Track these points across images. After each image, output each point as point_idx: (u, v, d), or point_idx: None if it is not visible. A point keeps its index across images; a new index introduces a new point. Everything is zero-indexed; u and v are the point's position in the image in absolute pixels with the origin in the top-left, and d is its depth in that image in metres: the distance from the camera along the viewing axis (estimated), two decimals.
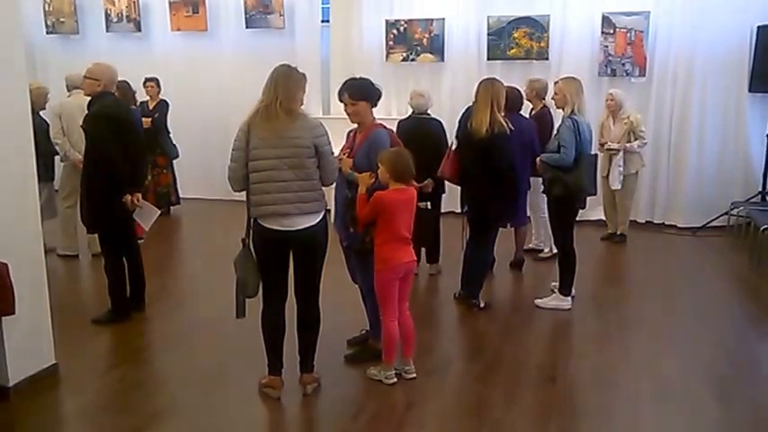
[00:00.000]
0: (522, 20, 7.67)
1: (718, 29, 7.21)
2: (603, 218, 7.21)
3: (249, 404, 3.71)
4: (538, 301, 5.17)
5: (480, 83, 4.87)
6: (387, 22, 8.11)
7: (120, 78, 5.00)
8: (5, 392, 3.70)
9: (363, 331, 4.34)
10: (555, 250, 5.65)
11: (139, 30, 8.95)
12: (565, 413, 3.68)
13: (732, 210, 7.17)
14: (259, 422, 3.68)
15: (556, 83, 5.21)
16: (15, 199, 3.73)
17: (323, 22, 8.55)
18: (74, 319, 4.78)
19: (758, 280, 5.89)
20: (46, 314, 3.96)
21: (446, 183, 5.53)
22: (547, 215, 5.53)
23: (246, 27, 8.58)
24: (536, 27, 7.64)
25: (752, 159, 7.40)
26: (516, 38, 7.71)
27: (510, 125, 4.78)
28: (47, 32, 9.25)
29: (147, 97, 7.92)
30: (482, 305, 5.08)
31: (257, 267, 3.59)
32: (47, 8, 9.19)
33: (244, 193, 3.59)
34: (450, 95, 7.95)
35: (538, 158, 5.22)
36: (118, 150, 4.53)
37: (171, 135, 8.00)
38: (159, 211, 5.08)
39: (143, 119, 7.18)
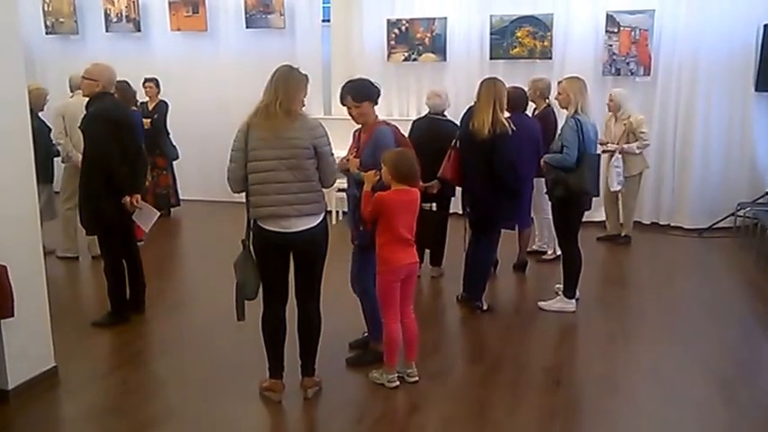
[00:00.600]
0: (526, 19, 7.62)
1: (724, 28, 7.15)
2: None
3: (249, 408, 3.67)
4: (542, 304, 5.12)
5: (482, 83, 4.82)
6: (388, 21, 8.06)
7: (120, 79, 4.96)
8: (5, 395, 3.68)
9: (365, 334, 4.30)
10: (558, 252, 5.59)
11: (139, 30, 8.91)
12: (569, 417, 3.64)
13: (739, 210, 7.10)
14: (259, 426, 3.64)
15: (560, 82, 5.16)
16: (14, 201, 3.71)
17: (323, 21, 8.51)
18: (73, 321, 4.76)
19: (765, 281, 5.83)
20: (45, 317, 3.94)
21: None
22: (550, 216, 5.48)
23: (247, 27, 8.54)
24: (539, 26, 7.59)
25: (758, 159, 7.34)
26: (519, 37, 7.66)
27: (513, 125, 4.73)
28: (46, 33, 9.22)
29: (147, 98, 7.88)
30: (485, 307, 5.03)
31: (257, 269, 3.55)
32: (46, 8, 9.15)
33: (244, 194, 3.55)
34: (452, 95, 7.85)
35: (541, 159, 5.17)
36: (115, 152, 4.48)
37: (170, 136, 7.95)
38: (159, 213, 5.05)
39: (143, 120, 7.14)
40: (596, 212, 7.04)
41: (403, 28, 8.04)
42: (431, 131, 5.43)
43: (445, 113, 5.74)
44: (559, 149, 4.88)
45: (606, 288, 5.78)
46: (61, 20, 9.15)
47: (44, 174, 5.39)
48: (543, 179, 5.25)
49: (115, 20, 8.96)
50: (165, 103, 7.92)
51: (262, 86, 3.50)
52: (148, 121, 7.57)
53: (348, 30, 8.28)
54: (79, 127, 4.68)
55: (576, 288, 5.10)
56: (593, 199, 5.12)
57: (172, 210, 8.18)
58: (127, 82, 6.37)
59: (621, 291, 5.71)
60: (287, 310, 3.66)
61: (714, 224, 7.28)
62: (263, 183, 3.42)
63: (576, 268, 5.05)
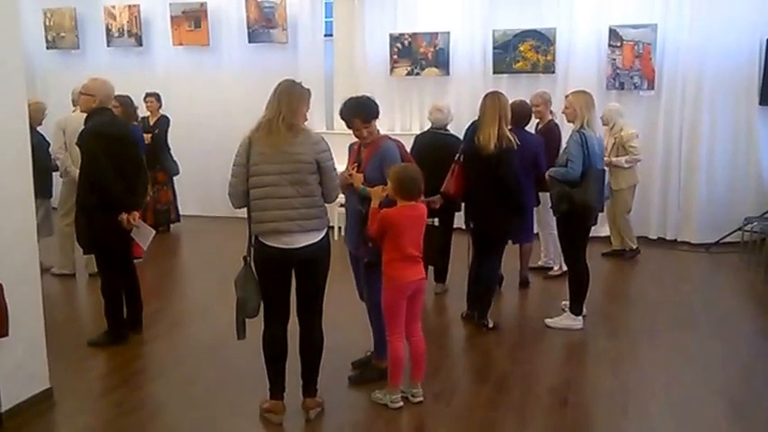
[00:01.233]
0: (529, 33, 7.59)
1: (728, 41, 7.11)
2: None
3: (250, 430, 3.58)
4: (548, 321, 5.03)
5: (486, 97, 4.77)
6: (391, 35, 8.03)
7: (121, 93, 4.89)
8: None
9: (368, 353, 4.21)
10: (565, 268, 5.50)
11: (141, 44, 8.89)
12: None
13: (745, 225, 7.02)
14: None
15: (566, 96, 5.11)
16: (11, 216, 3.63)
17: (326, 36, 8.49)
18: (69, 340, 4.66)
19: None
20: (41, 336, 3.85)
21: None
22: (556, 232, 5.40)
23: (249, 41, 8.51)
24: (542, 40, 7.56)
25: (764, 173, 7.27)
26: (522, 51, 7.62)
27: (516, 140, 4.68)
28: (47, 47, 9.20)
29: (148, 113, 7.84)
30: (491, 325, 4.94)
31: (258, 286, 3.48)
32: (47, 23, 9.14)
33: (245, 210, 3.50)
34: (455, 110, 7.78)
35: (546, 173, 5.10)
36: (110, 168, 4.39)
37: (171, 151, 7.90)
38: (154, 232, 4.92)
39: (144, 134, 7.08)
40: (601, 228, 6.94)
41: (406, 42, 8.01)
42: (433, 146, 5.39)
43: (448, 128, 5.70)
44: (564, 164, 4.82)
45: (613, 305, 5.68)
46: (62, 34, 9.14)
47: (42, 189, 5.33)
48: (549, 194, 5.18)
49: (117, 34, 8.94)
50: (167, 118, 7.88)
51: (264, 101, 3.47)
52: (149, 136, 7.51)
53: (351, 44, 8.25)
54: (76, 143, 4.61)
55: (584, 305, 5.00)
56: (600, 214, 5.04)
57: (172, 226, 8.11)
58: (128, 97, 6.31)
59: (629, 307, 5.62)
60: (288, 329, 3.57)
61: (721, 239, 7.20)
62: (265, 198, 3.36)
63: (582, 285, 4.96)
